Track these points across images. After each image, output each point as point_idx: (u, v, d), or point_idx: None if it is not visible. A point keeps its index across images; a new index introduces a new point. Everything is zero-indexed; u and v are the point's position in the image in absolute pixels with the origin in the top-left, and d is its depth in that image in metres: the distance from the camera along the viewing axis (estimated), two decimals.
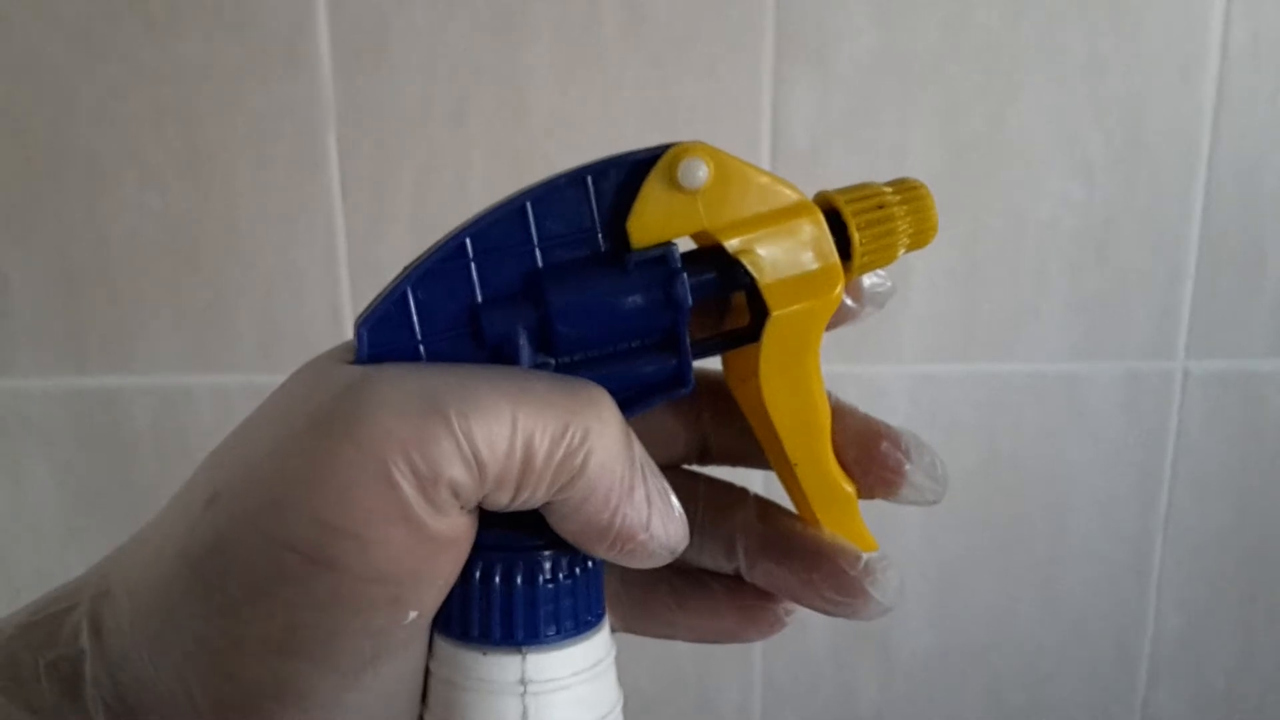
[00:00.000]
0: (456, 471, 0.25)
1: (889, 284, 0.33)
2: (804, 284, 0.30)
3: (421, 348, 0.28)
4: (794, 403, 0.31)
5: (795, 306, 0.30)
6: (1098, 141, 0.74)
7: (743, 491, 0.35)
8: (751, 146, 0.72)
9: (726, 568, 0.35)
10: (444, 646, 0.28)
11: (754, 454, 0.34)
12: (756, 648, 0.83)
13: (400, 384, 0.25)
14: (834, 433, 0.32)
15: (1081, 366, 0.78)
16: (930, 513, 0.80)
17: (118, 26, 0.69)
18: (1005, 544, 0.82)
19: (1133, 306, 0.77)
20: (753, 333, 0.30)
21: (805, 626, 0.83)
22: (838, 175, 0.72)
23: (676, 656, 0.83)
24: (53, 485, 0.77)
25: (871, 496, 0.33)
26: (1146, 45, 0.72)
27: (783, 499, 0.34)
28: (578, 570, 0.28)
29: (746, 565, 0.34)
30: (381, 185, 0.72)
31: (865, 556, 0.32)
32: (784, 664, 0.84)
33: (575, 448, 0.26)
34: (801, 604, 0.34)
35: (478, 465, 0.25)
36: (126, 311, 0.74)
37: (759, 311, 0.30)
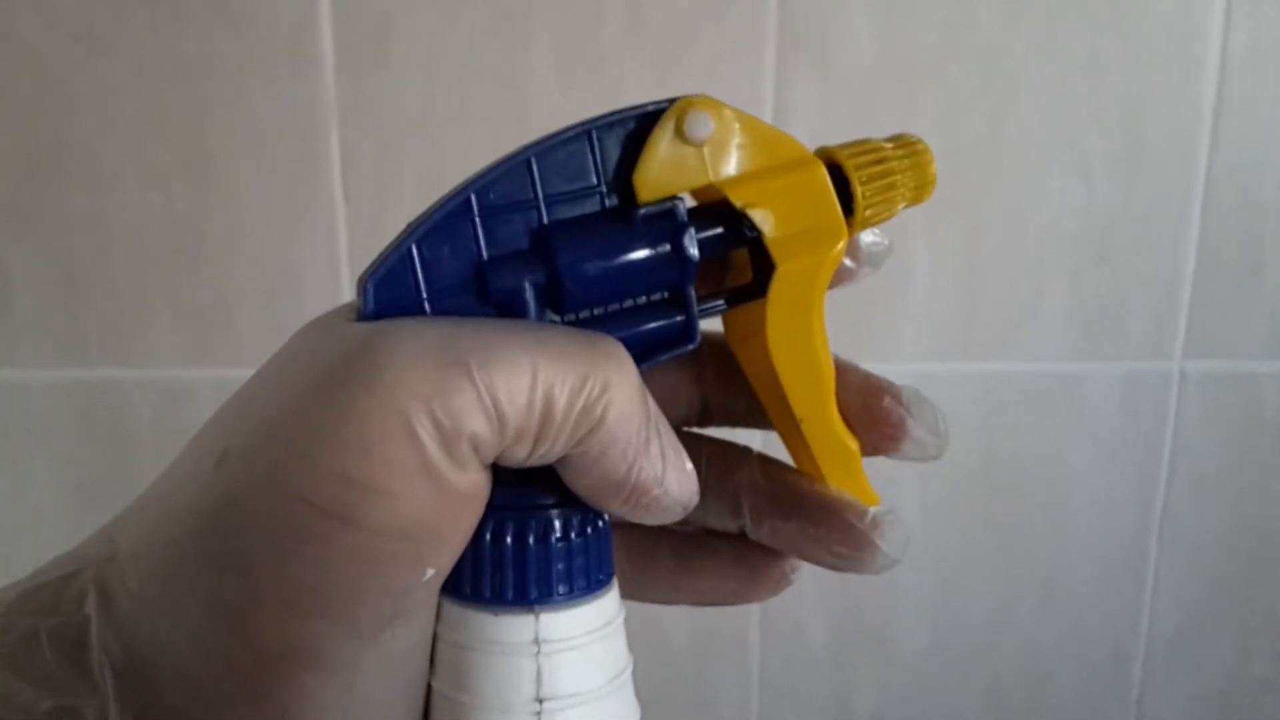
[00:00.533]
0: (478, 424, 0.24)
1: (886, 242, 0.33)
2: (809, 238, 0.30)
3: (427, 305, 0.27)
4: (800, 357, 0.31)
5: (801, 261, 0.30)
6: (1097, 143, 0.74)
7: (746, 450, 0.35)
8: None
9: (731, 527, 0.34)
10: (453, 610, 0.27)
11: (754, 415, 0.33)
12: (754, 647, 0.83)
13: (418, 336, 0.25)
14: (836, 389, 0.32)
15: (1080, 367, 0.78)
16: (928, 512, 0.81)
17: (121, 25, 0.69)
18: (1003, 544, 0.82)
19: (1131, 307, 0.77)
20: (757, 288, 0.30)
21: (803, 626, 0.83)
22: None
23: (674, 655, 0.83)
24: (53, 478, 0.77)
25: (875, 453, 0.33)
26: (1147, 48, 0.73)
27: (783, 458, 0.34)
28: (588, 529, 0.28)
29: (752, 523, 0.34)
30: (383, 184, 0.72)
31: (871, 510, 0.32)
32: (782, 664, 0.84)
33: (595, 399, 0.26)
34: (808, 560, 0.34)
35: (499, 418, 0.24)
36: (128, 306, 0.74)
37: (764, 267, 0.30)
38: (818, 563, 0.33)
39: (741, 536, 0.35)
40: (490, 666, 0.27)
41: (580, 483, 0.27)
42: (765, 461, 0.34)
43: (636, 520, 0.28)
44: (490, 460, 0.26)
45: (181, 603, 0.25)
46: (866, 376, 0.33)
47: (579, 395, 0.25)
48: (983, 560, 0.82)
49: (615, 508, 0.28)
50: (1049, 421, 0.79)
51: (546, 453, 0.26)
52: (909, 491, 0.80)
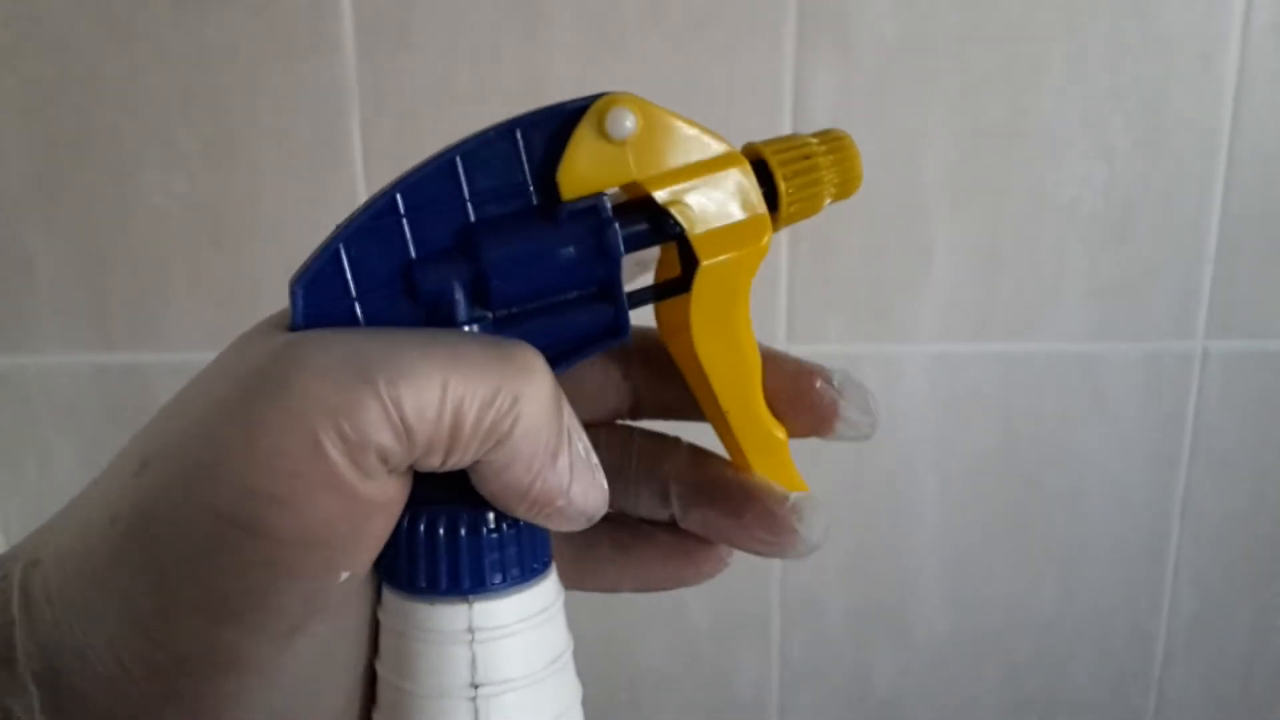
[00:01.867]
0: (384, 438, 0.25)
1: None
2: (733, 234, 0.30)
3: (357, 306, 0.28)
4: (725, 351, 0.31)
5: (724, 256, 0.30)
6: (1119, 123, 0.74)
7: (675, 441, 0.36)
8: (772, 128, 0.72)
9: (662, 515, 0.35)
10: (392, 598, 0.28)
11: (686, 408, 0.34)
12: (774, 627, 0.84)
13: (328, 350, 0.25)
14: (766, 376, 0.33)
15: (1101, 347, 0.78)
16: (947, 492, 0.81)
17: (143, 7, 0.70)
18: (1022, 525, 0.82)
19: (1153, 287, 0.77)
20: (683, 283, 0.30)
21: (822, 606, 0.83)
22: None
23: (694, 635, 0.83)
24: (77, 461, 0.78)
25: (807, 434, 0.34)
26: (1168, 28, 0.72)
27: (716, 449, 0.35)
28: (521, 519, 0.29)
29: (680, 511, 0.35)
30: (404, 166, 0.72)
31: (792, 495, 0.33)
32: (801, 644, 0.84)
33: (504, 413, 0.26)
34: (734, 545, 0.34)
35: (406, 432, 0.25)
36: (151, 290, 0.74)
37: (689, 262, 0.30)
38: (743, 548, 0.34)
39: (674, 524, 0.35)
40: (426, 654, 0.28)
41: (486, 488, 0.28)
42: (693, 451, 0.35)
43: (543, 526, 0.29)
44: (402, 469, 0.26)
45: (99, 608, 0.25)
46: (798, 362, 0.33)
47: (489, 409, 0.26)
48: (1002, 541, 0.82)
49: (520, 514, 0.28)
50: (1069, 402, 0.79)
51: (458, 462, 0.27)
52: (928, 472, 0.80)
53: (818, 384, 0.33)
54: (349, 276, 0.27)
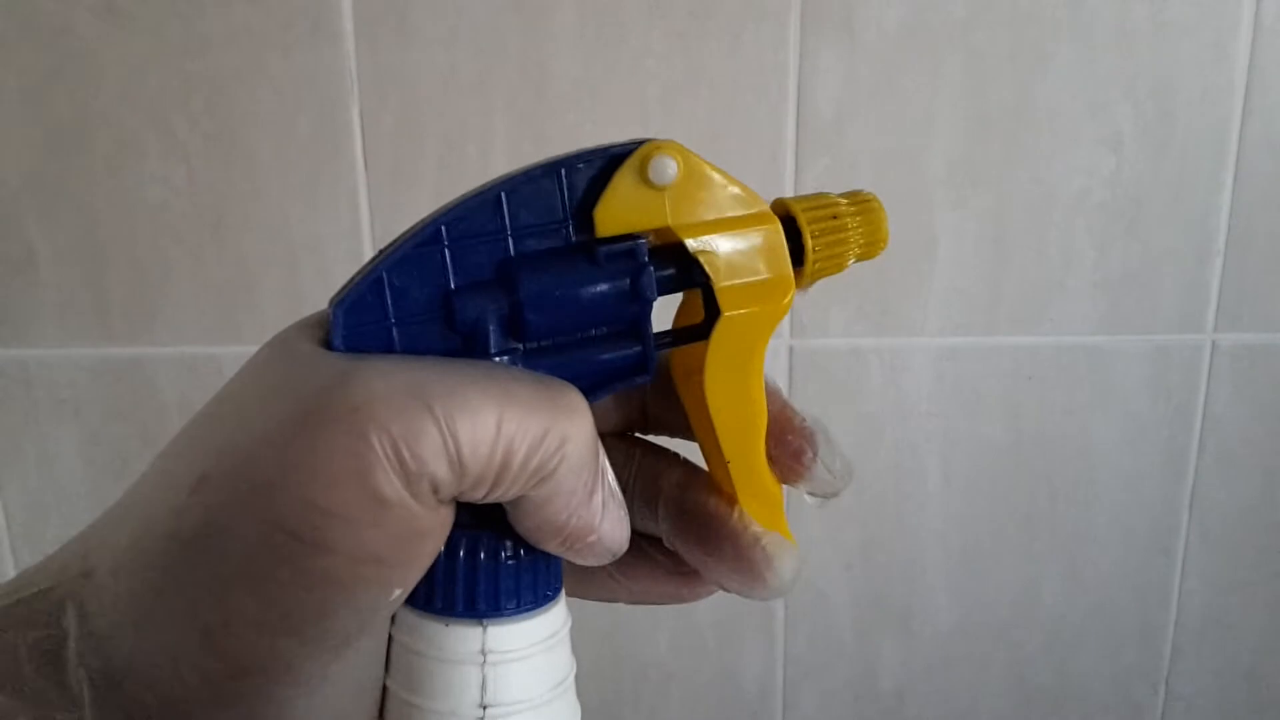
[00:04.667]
0: (440, 469, 0.26)
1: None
2: (757, 289, 0.31)
3: (395, 331, 0.28)
4: (734, 402, 0.32)
5: (746, 309, 0.31)
6: (1128, 114, 0.73)
7: (673, 458, 0.36)
8: (776, 117, 0.72)
9: (655, 530, 0.36)
10: (408, 617, 0.29)
11: (687, 428, 0.35)
12: (779, 622, 0.83)
13: (391, 378, 0.26)
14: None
15: (1109, 340, 0.77)
16: (953, 486, 0.80)
17: None
18: (1029, 519, 0.82)
19: (1161, 280, 0.76)
20: (704, 330, 0.31)
21: (828, 601, 0.83)
22: (862, 145, 0.72)
23: (698, 630, 0.83)
24: (80, 454, 0.78)
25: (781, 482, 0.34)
26: (1178, 16, 0.72)
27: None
28: (539, 548, 0.30)
29: (665, 536, 0.35)
30: (404, 156, 0.72)
31: (764, 539, 0.33)
32: (806, 638, 0.84)
33: (551, 454, 0.27)
34: (710, 580, 0.35)
35: (460, 465, 0.26)
36: (151, 282, 0.74)
37: (712, 311, 0.31)
38: (713, 582, 0.35)
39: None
40: (439, 672, 0.29)
41: (522, 524, 0.29)
42: (685, 472, 0.36)
43: (569, 559, 0.30)
44: (449, 499, 0.27)
45: (159, 620, 0.26)
46: (788, 416, 0.34)
47: (537, 449, 0.27)
48: (1008, 536, 0.82)
49: (551, 548, 0.29)
50: (1077, 395, 0.79)
51: (501, 496, 0.28)
52: (934, 465, 0.80)
53: (797, 444, 0.34)
54: (389, 302, 0.28)
